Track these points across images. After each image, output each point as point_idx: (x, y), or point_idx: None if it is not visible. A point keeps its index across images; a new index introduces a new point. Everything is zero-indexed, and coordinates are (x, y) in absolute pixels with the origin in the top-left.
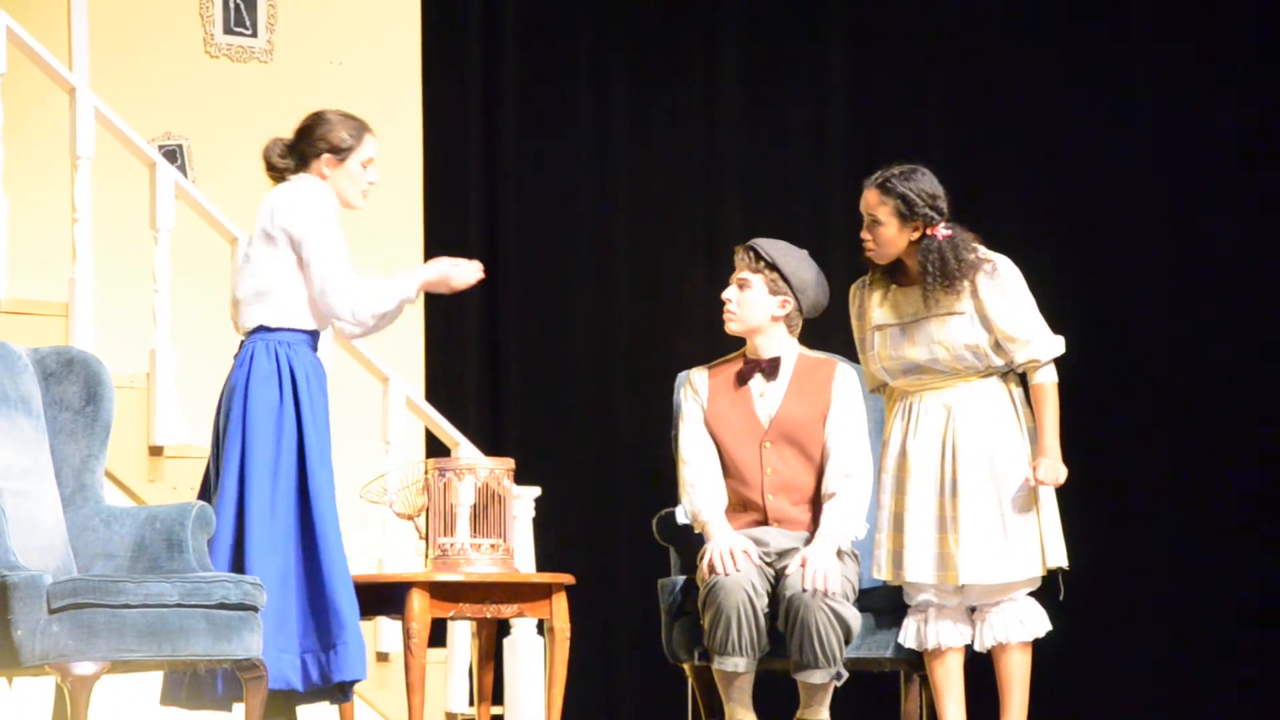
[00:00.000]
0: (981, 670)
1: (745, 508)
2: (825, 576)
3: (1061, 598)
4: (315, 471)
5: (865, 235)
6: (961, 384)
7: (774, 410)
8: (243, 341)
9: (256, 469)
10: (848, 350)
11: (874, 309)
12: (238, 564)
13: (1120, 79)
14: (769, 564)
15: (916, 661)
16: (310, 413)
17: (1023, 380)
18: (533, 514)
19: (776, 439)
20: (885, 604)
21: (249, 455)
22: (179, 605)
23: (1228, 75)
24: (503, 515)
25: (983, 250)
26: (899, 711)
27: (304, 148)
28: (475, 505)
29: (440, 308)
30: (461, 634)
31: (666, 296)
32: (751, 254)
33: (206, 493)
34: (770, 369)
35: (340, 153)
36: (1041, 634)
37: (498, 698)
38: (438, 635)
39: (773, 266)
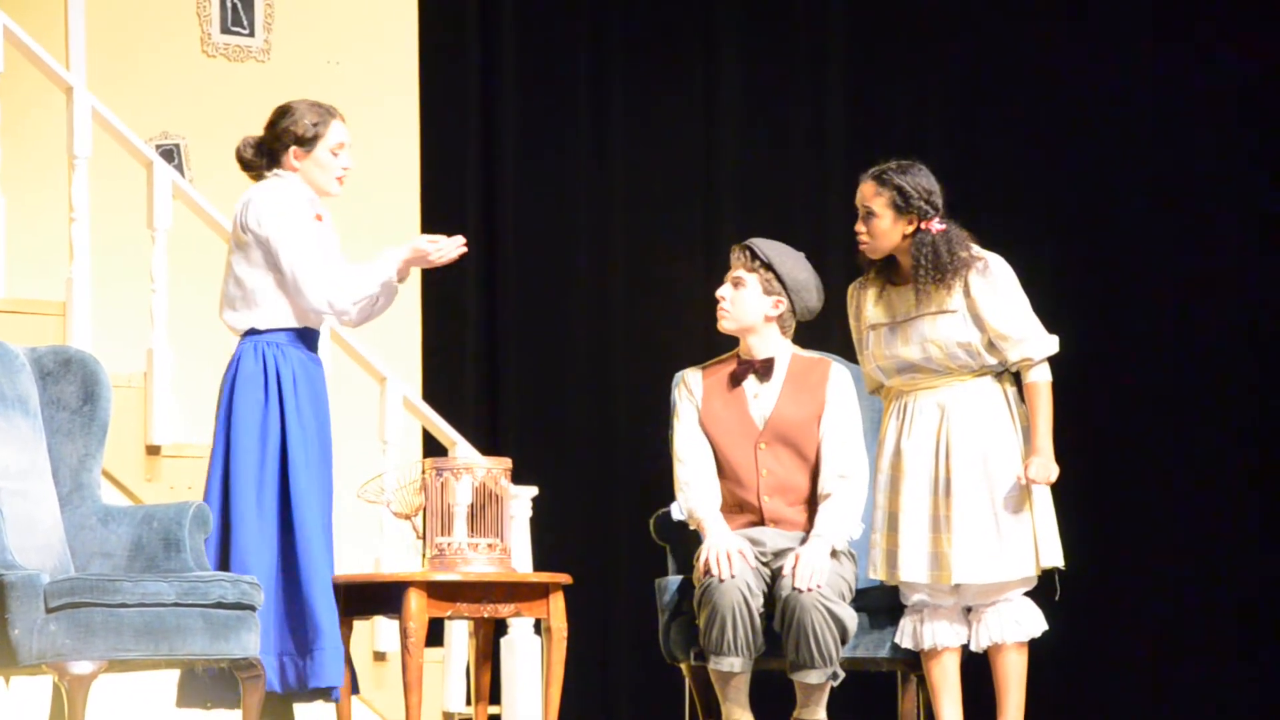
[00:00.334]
0: (978, 670)
1: (741, 509)
2: (814, 573)
3: (1058, 598)
4: (298, 475)
5: (860, 228)
6: (955, 383)
7: (768, 412)
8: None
9: (241, 472)
10: (845, 351)
11: (869, 308)
12: (223, 565)
13: (1121, 76)
14: (765, 564)
15: (913, 661)
16: (296, 415)
17: (1017, 379)
18: (530, 514)
19: (771, 440)
20: (881, 604)
21: (233, 458)
22: (176, 604)
23: (1229, 71)
24: (500, 515)
25: (976, 248)
26: (896, 711)
27: (271, 142)
28: (472, 505)
29: (437, 308)
30: (459, 633)
31: (664, 296)
32: (747, 253)
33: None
34: (764, 370)
35: (306, 143)
36: (1038, 634)
37: (495, 697)
38: (435, 635)
39: (768, 266)
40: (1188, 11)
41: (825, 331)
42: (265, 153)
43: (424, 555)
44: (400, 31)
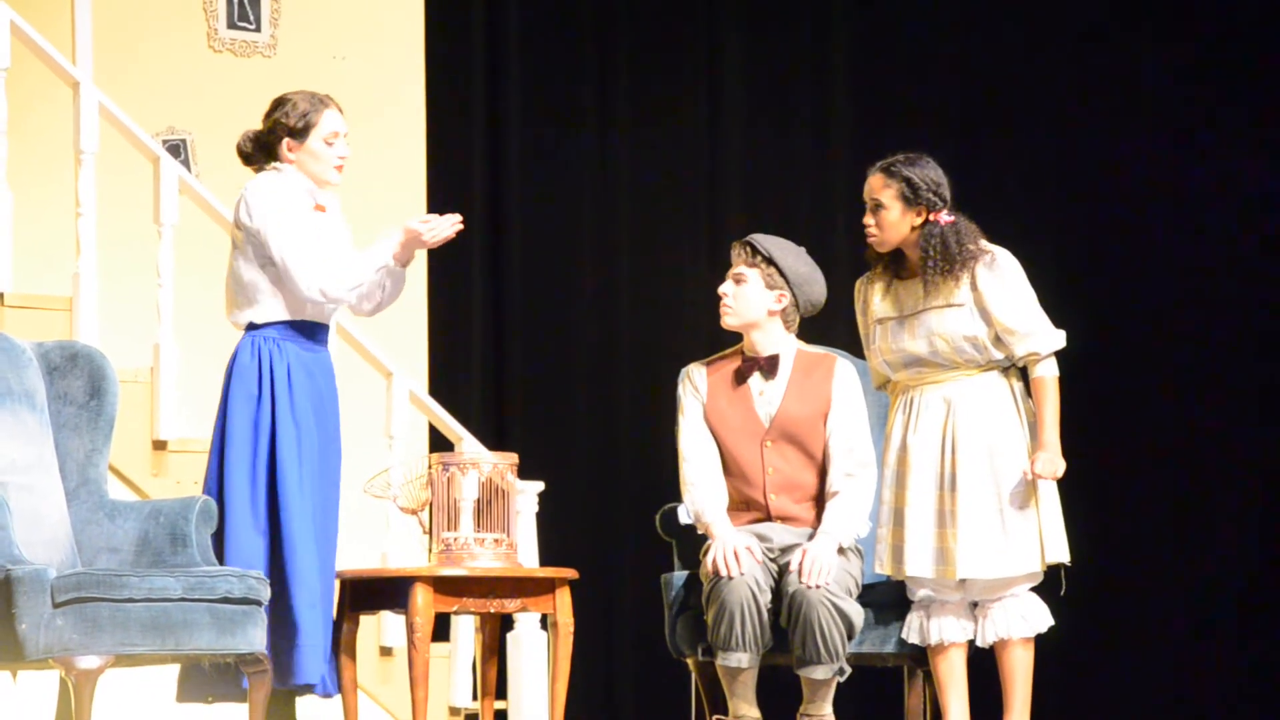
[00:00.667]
0: (986, 665)
1: (748, 506)
2: (821, 569)
3: (1063, 593)
4: (286, 470)
5: (868, 221)
6: (962, 378)
7: (774, 409)
8: None
9: (234, 467)
10: (851, 346)
11: (876, 302)
12: (218, 560)
13: (1121, 74)
14: (772, 560)
15: (920, 657)
16: (289, 409)
17: (1024, 374)
18: (536, 509)
19: (777, 438)
20: (888, 599)
21: (227, 453)
22: (183, 599)
23: (1231, 66)
24: (506, 510)
25: (984, 242)
26: (902, 707)
27: (266, 135)
28: (479, 500)
29: (444, 303)
30: (465, 629)
31: (669, 291)
32: (748, 249)
33: None
34: (769, 367)
35: (298, 134)
36: (1044, 629)
37: (501, 692)
38: (441, 630)
39: (769, 261)
40: (1190, 10)
41: (831, 326)
42: (262, 146)
43: (430, 550)
44: (406, 26)
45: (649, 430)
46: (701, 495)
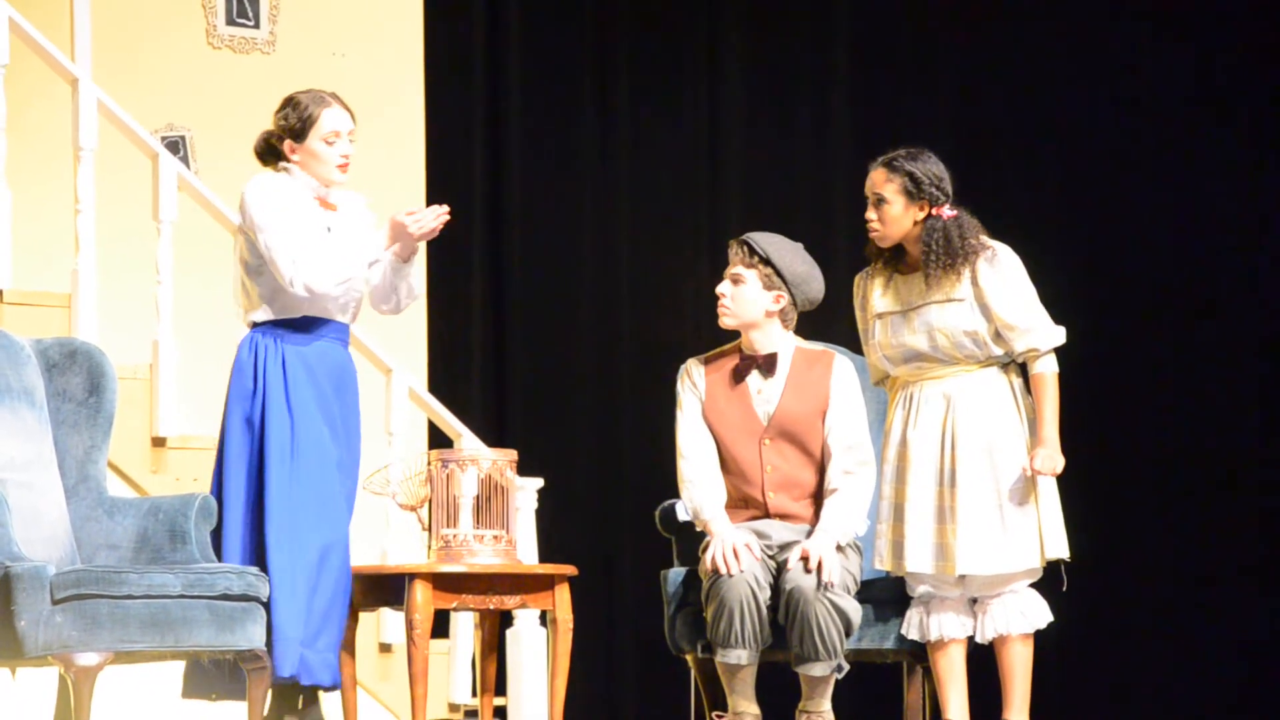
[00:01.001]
0: (985, 661)
1: (746, 504)
2: (828, 569)
3: (1064, 589)
4: (272, 464)
5: (870, 215)
6: (961, 373)
7: (772, 407)
8: None
9: (230, 463)
10: (850, 342)
11: (875, 298)
12: (217, 555)
13: (1122, 70)
14: (771, 557)
15: (919, 653)
16: (282, 404)
17: (1023, 370)
18: (535, 505)
19: (776, 436)
20: (887, 595)
21: (225, 450)
22: (182, 596)
23: (1233, 62)
24: (505, 506)
25: (985, 238)
26: (901, 703)
27: (270, 136)
28: (478, 496)
29: (443, 300)
30: (464, 625)
31: (669, 287)
32: (745, 249)
33: None
34: (767, 365)
35: (297, 134)
36: (1043, 625)
37: (500, 689)
38: (440, 626)
39: (766, 261)
40: (1191, 8)
41: (831, 323)
42: (270, 147)
43: (429, 547)
44: (405, 23)
45: (648, 427)
46: (700, 493)
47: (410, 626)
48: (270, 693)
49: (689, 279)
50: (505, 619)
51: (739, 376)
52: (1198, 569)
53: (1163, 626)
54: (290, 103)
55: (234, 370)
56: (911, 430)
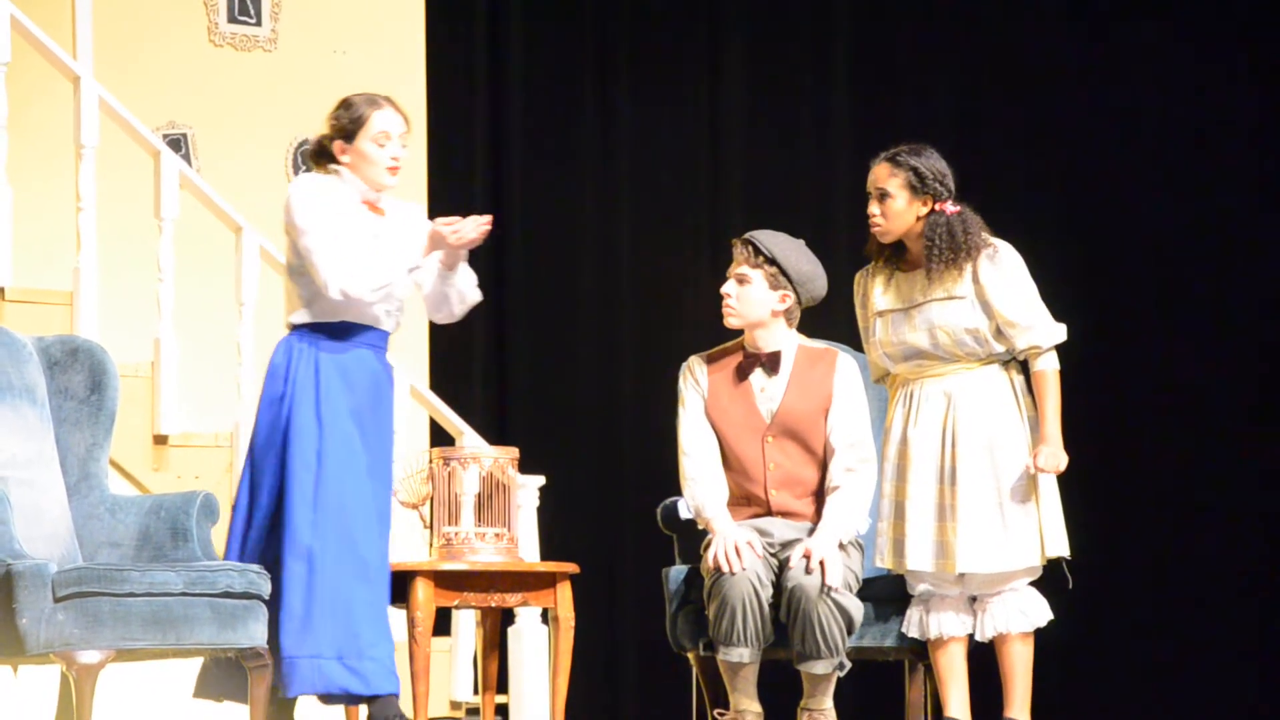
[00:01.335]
0: (986, 659)
1: (748, 501)
2: (831, 571)
3: (1070, 587)
4: (296, 473)
5: (873, 210)
6: (962, 371)
7: (775, 405)
8: None
9: (254, 468)
10: (853, 339)
11: (876, 295)
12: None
13: (1123, 66)
14: (772, 555)
15: (920, 651)
16: (311, 410)
17: (1024, 368)
18: (537, 503)
19: (779, 434)
20: (888, 593)
21: (253, 452)
22: (184, 594)
23: (1234, 57)
24: (507, 504)
25: (987, 235)
26: (903, 701)
27: (322, 137)
28: (480, 494)
29: None
30: (466, 623)
31: (670, 284)
32: (750, 248)
33: None
34: (771, 363)
35: (348, 135)
36: (1043, 624)
37: (502, 686)
38: (442, 624)
39: (772, 261)
40: (1190, 4)
41: (835, 321)
42: (322, 148)
43: (431, 545)
44: (407, 21)
45: (650, 424)
46: (702, 490)
47: (412, 624)
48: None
49: (690, 277)
50: (507, 617)
51: (742, 374)
52: (1198, 568)
53: (1164, 626)
54: (343, 103)
55: (268, 372)
56: (912, 428)
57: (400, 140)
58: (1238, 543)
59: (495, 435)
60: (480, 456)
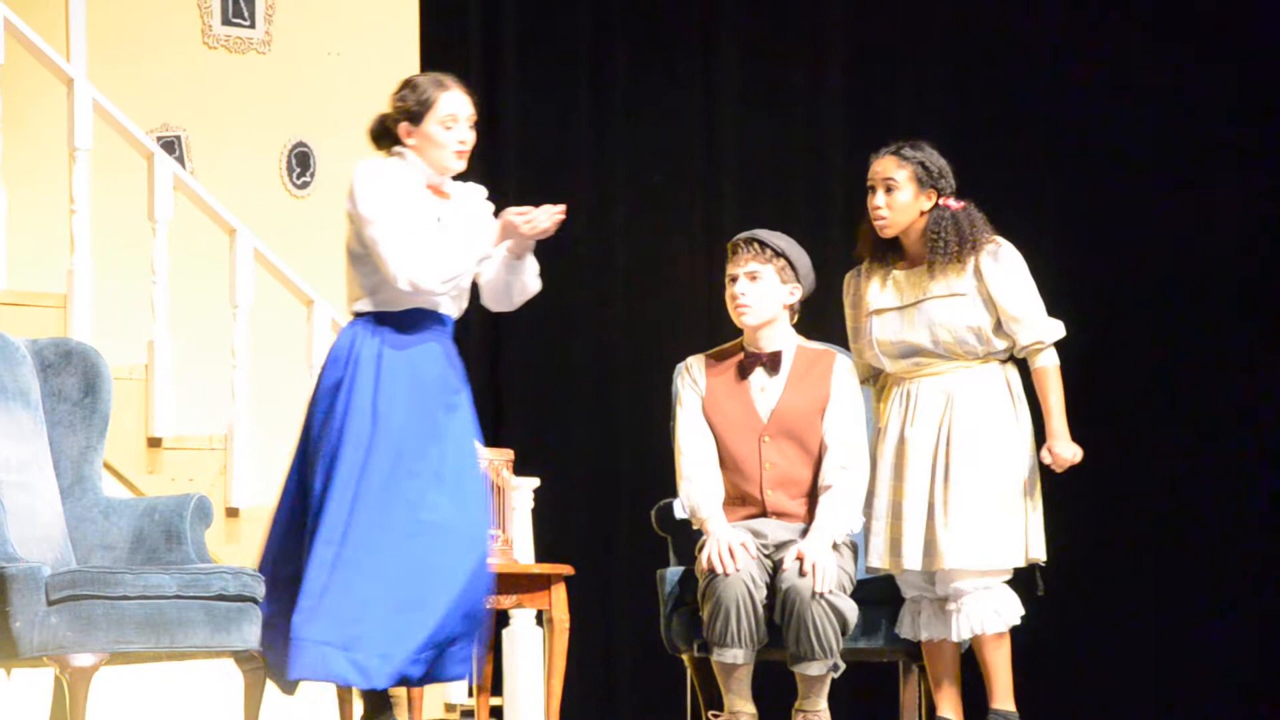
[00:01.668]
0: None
1: (743, 501)
2: (823, 574)
3: (1040, 593)
4: (344, 455)
5: (878, 203)
6: (960, 370)
7: (773, 404)
8: None
9: (309, 454)
10: (843, 340)
11: (872, 293)
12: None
13: (1125, 62)
14: (767, 556)
15: (914, 652)
16: (368, 401)
17: (1020, 365)
18: (531, 505)
19: (776, 433)
20: (882, 595)
21: (306, 438)
22: (177, 597)
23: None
24: (502, 506)
25: (990, 233)
26: (898, 702)
27: (386, 119)
28: None
29: None
30: None
31: (665, 286)
32: (757, 245)
33: None
34: (772, 363)
35: (415, 117)
36: (1017, 622)
37: (497, 688)
38: None
39: (781, 255)
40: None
41: (835, 319)
42: (385, 129)
43: None
44: (401, 23)
45: (644, 426)
46: (697, 489)
47: None
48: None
49: (685, 279)
50: (502, 618)
51: (742, 373)
52: (1192, 569)
53: (1154, 621)
54: (408, 84)
55: (327, 360)
56: (910, 428)
57: (468, 123)
58: (1240, 546)
59: (490, 437)
60: None
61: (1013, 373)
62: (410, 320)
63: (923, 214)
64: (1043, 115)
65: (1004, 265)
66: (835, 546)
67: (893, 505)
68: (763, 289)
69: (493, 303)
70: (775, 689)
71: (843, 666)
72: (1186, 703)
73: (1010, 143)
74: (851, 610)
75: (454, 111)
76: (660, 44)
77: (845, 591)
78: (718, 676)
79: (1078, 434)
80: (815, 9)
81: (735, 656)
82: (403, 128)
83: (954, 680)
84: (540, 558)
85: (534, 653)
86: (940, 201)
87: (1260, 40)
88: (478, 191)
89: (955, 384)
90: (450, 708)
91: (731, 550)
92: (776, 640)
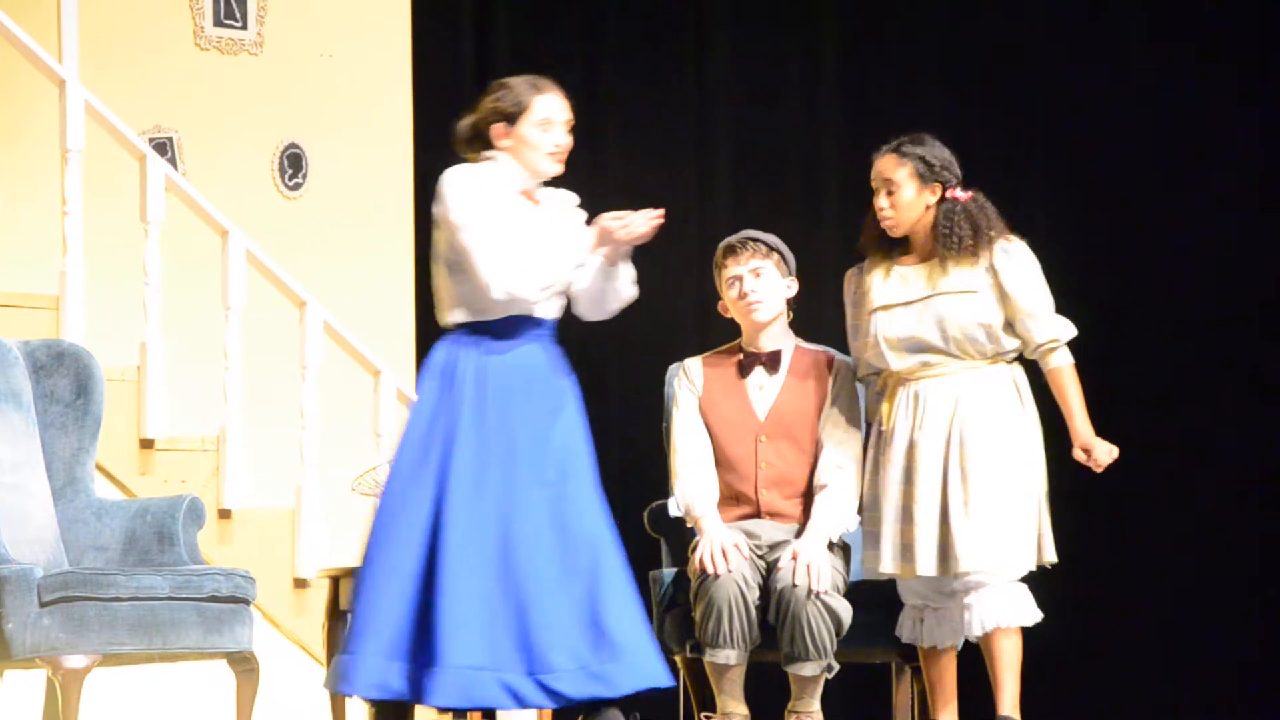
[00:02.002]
0: (975, 664)
1: (738, 500)
2: (818, 573)
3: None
4: (456, 472)
5: (881, 204)
6: (968, 371)
7: (771, 404)
8: None
9: (398, 473)
10: (840, 342)
11: (876, 288)
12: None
13: (1124, 60)
14: (760, 556)
15: (908, 654)
16: (472, 416)
17: (1028, 367)
18: None
19: (773, 433)
20: (876, 597)
21: (397, 458)
22: (170, 598)
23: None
24: None
25: (1003, 227)
26: (890, 704)
27: (478, 121)
28: None
29: (431, 300)
30: None
31: (657, 287)
32: (754, 243)
33: None
34: (770, 362)
35: (510, 118)
36: (1030, 623)
37: None
38: None
39: (775, 250)
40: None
41: (834, 319)
42: (477, 132)
43: None
44: (394, 24)
45: (637, 428)
46: (692, 488)
47: None
48: None
49: (677, 281)
50: None
51: (740, 372)
52: (1195, 573)
53: (1163, 630)
54: (503, 86)
55: (423, 376)
56: (919, 431)
57: (564, 127)
58: (1240, 546)
59: None
60: None
61: (1020, 374)
62: (511, 328)
63: (929, 208)
64: (1043, 114)
65: (1018, 261)
66: (830, 546)
67: (903, 510)
68: (766, 285)
69: (587, 311)
70: (768, 690)
71: (836, 667)
72: (1188, 704)
73: (1009, 142)
74: (846, 610)
75: (550, 115)
76: (654, 45)
77: (839, 592)
78: (710, 678)
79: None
80: (810, 7)
81: (728, 657)
82: (497, 130)
83: (952, 689)
84: None
85: None
86: (947, 194)
87: (1261, 39)
88: (569, 198)
89: (963, 386)
90: (442, 710)
91: (724, 551)
92: (769, 641)
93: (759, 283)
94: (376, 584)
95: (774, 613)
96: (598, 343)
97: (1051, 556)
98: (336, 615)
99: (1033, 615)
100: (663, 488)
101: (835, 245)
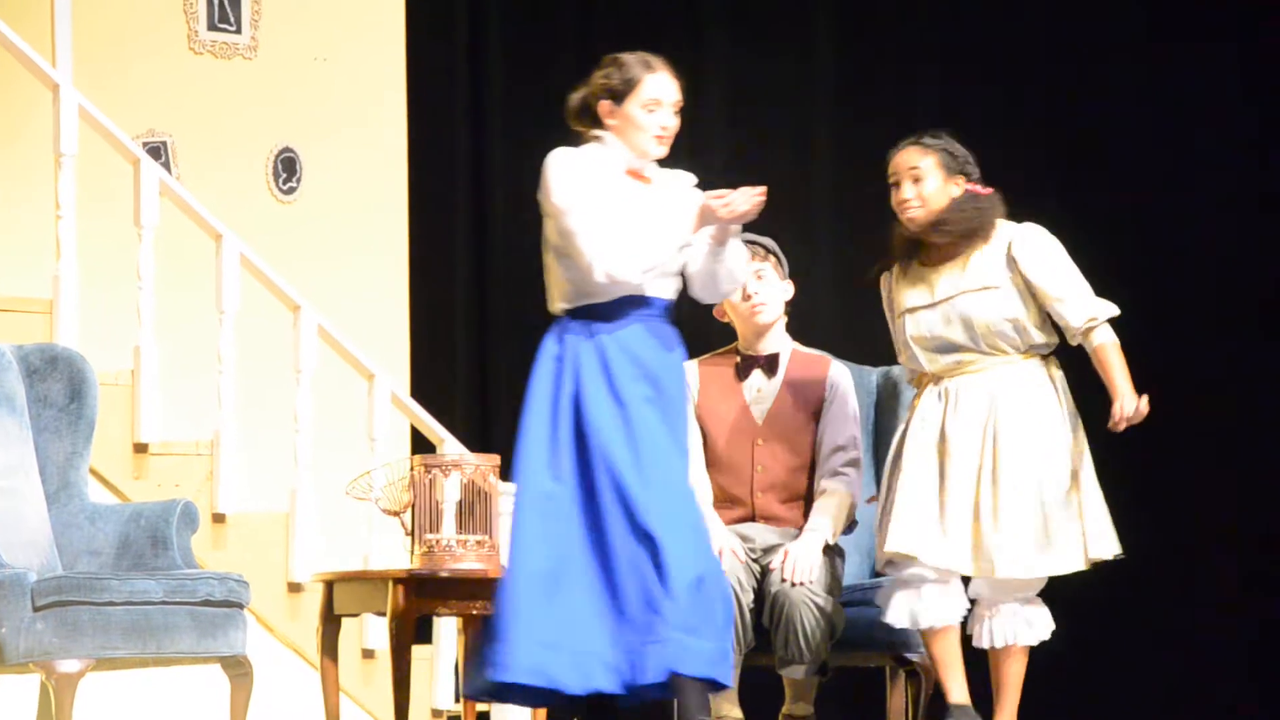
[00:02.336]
0: (977, 656)
1: (733, 504)
2: (804, 568)
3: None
4: (613, 453)
5: (906, 195)
6: (1002, 366)
7: (768, 408)
8: None
9: (523, 466)
10: (839, 345)
11: (905, 293)
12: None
13: (1125, 58)
14: (754, 560)
15: (902, 658)
16: (602, 397)
17: (1062, 363)
18: None
19: (769, 437)
20: (870, 599)
21: (518, 451)
22: (164, 602)
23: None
24: (488, 512)
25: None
26: (884, 707)
27: (587, 95)
28: (461, 501)
29: (426, 304)
30: (447, 630)
31: None
32: (752, 246)
33: None
34: (768, 365)
35: (618, 96)
36: (1047, 637)
37: None
38: (423, 632)
39: (772, 253)
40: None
41: (834, 324)
42: (585, 107)
43: (412, 552)
44: (388, 28)
45: None
46: None
47: (392, 632)
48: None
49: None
50: None
51: (738, 375)
52: (1204, 572)
53: (1163, 630)
54: (614, 62)
55: (536, 368)
56: (951, 425)
57: (672, 108)
58: (1241, 549)
59: (477, 443)
60: (462, 464)
61: (1056, 369)
62: (623, 310)
63: (952, 200)
64: (1043, 114)
65: (1036, 247)
66: (826, 549)
67: (938, 505)
68: (768, 287)
69: (702, 293)
70: (763, 694)
71: (830, 670)
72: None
73: (1009, 142)
74: (840, 614)
75: (658, 95)
76: (648, 47)
77: (834, 596)
78: None
79: (1107, 437)
80: (803, 11)
81: None
82: (604, 106)
83: (960, 665)
84: None
85: None
86: (969, 188)
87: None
88: (685, 178)
89: (998, 381)
90: (437, 713)
91: (720, 554)
92: (763, 644)
93: (761, 285)
94: (529, 580)
95: (768, 615)
96: None
97: (1103, 552)
98: (331, 619)
99: (1045, 632)
100: None
101: (827, 249)
